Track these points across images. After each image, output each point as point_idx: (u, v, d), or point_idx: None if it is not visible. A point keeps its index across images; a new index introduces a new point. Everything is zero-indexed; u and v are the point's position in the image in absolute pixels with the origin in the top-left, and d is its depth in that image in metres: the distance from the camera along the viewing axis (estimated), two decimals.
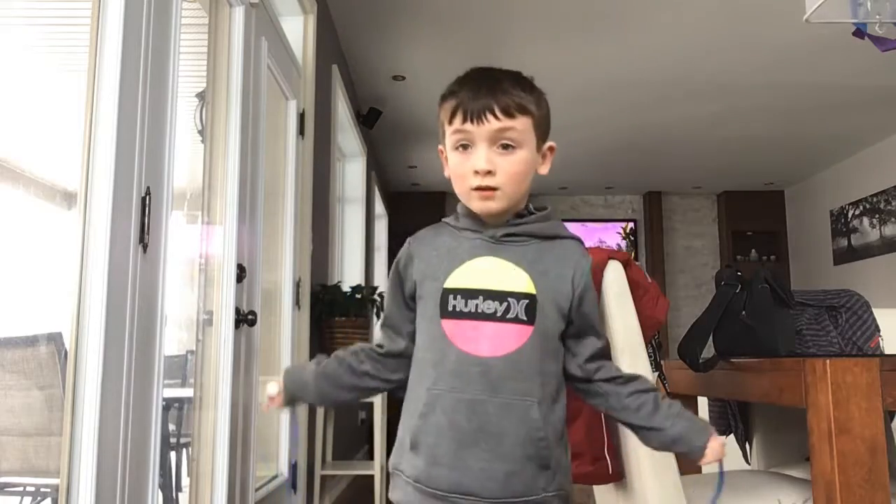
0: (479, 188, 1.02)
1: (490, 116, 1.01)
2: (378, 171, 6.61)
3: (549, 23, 4.00)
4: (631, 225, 8.23)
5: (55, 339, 2.42)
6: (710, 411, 2.09)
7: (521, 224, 1.05)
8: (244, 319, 2.25)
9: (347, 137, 4.87)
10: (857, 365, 1.27)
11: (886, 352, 1.84)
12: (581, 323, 1.06)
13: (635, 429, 1.08)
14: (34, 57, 3.69)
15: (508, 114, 1.02)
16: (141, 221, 1.48)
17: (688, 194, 8.24)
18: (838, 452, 1.25)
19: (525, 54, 4.40)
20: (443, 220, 1.12)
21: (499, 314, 1.00)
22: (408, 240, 1.12)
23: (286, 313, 2.96)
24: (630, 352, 1.40)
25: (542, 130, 1.08)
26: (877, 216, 6.39)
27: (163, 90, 1.60)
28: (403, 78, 4.78)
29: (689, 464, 1.14)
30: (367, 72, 4.70)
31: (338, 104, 4.00)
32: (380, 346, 1.11)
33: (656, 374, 1.45)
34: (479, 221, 1.06)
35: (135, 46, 1.47)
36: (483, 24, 4.02)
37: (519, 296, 1.01)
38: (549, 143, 1.11)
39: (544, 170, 1.10)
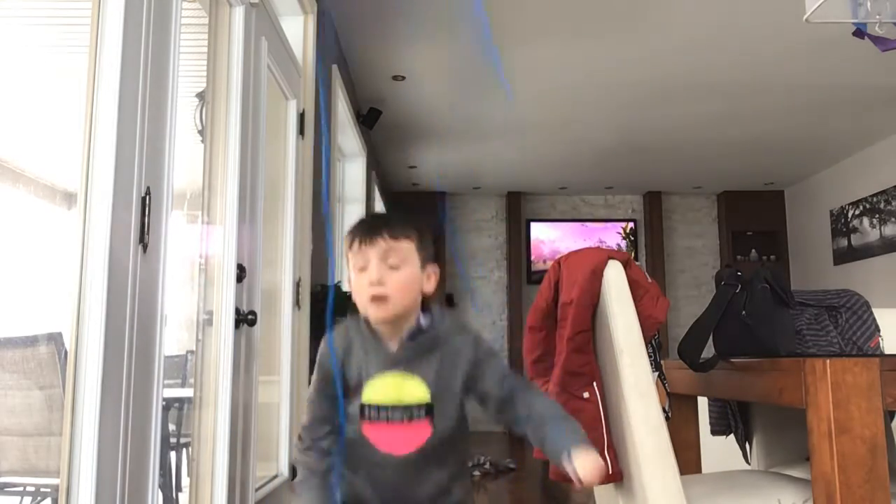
0: (372, 298, 1.25)
1: (379, 239, 1.26)
2: (378, 171, 6.61)
3: (549, 23, 4.00)
4: (631, 225, 8.23)
5: (55, 339, 2.42)
6: (710, 411, 2.09)
7: (414, 341, 1.29)
8: (244, 319, 2.25)
9: (347, 137, 4.87)
10: (857, 365, 1.27)
11: (886, 352, 1.84)
12: (484, 378, 1.30)
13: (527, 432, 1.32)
14: (34, 57, 3.69)
15: (393, 237, 1.27)
16: (141, 221, 1.48)
17: (688, 194, 8.24)
18: (838, 452, 1.25)
19: (524, 54, 4.40)
20: (350, 324, 1.34)
21: (405, 419, 1.27)
22: (323, 341, 1.34)
23: (286, 313, 2.96)
24: (630, 352, 1.40)
25: (425, 254, 1.31)
26: (877, 216, 6.39)
27: (163, 90, 1.60)
28: (403, 78, 4.78)
29: (689, 464, 1.14)
30: (367, 72, 4.70)
31: (338, 104, 4.01)
32: (317, 435, 1.34)
33: (656, 374, 1.45)
34: (380, 338, 1.30)
35: (135, 46, 1.47)
36: (483, 25, 4.02)
37: (419, 404, 1.27)
38: (433, 266, 1.33)
39: (429, 287, 1.31)
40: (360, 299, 1.28)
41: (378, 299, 1.25)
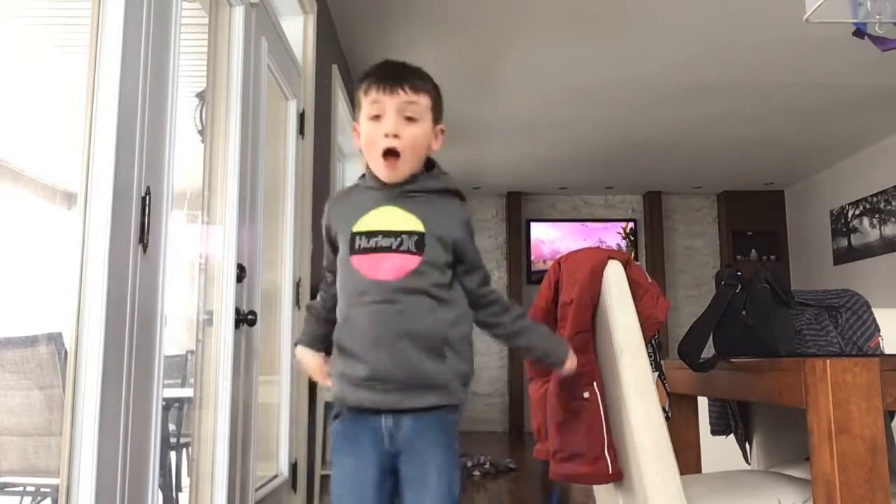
0: (386, 154, 1.24)
1: (399, 90, 1.25)
2: None
3: (549, 23, 4.00)
4: (631, 225, 8.23)
5: (55, 339, 2.42)
6: (710, 411, 2.09)
7: (414, 183, 1.29)
8: (244, 319, 2.25)
9: (348, 137, 4.88)
10: (857, 365, 1.27)
11: (886, 352, 1.84)
12: (467, 261, 1.31)
13: (505, 338, 1.37)
14: (34, 57, 3.69)
15: (414, 90, 1.26)
16: (141, 221, 1.48)
17: (688, 194, 8.24)
18: (838, 452, 1.25)
19: (524, 54, 4.40)
20: (351, 185, 1.36)
21: (393, 247, 1.25)
22: (328, 201, 1.38)
23: (286, 313, 2.96)
24: (630, 352, 1.40)
25: (437, 112, 1.31)
26: (877, 216, 6.39)
27: (163, 90, 1.60)
28: None
29: (689, 464, 1.14)
30: None
31: (338, 104, 4.00)
32: (327, 285, 1.38)
33: (656, 374, 1.45)
34: (381, 182, 1.29)
35: (135, 46, 1.47)
36: (483, 25, 4.02)
37: (410, 233, 1.25)
38: (440, 125, 1.33)
39: (437, 146, 1.32)
40: (373, 151, 1.26)
41: (391, 154, 1.24)
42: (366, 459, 1.24)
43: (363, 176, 1.34)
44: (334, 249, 1.33)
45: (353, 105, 1.33)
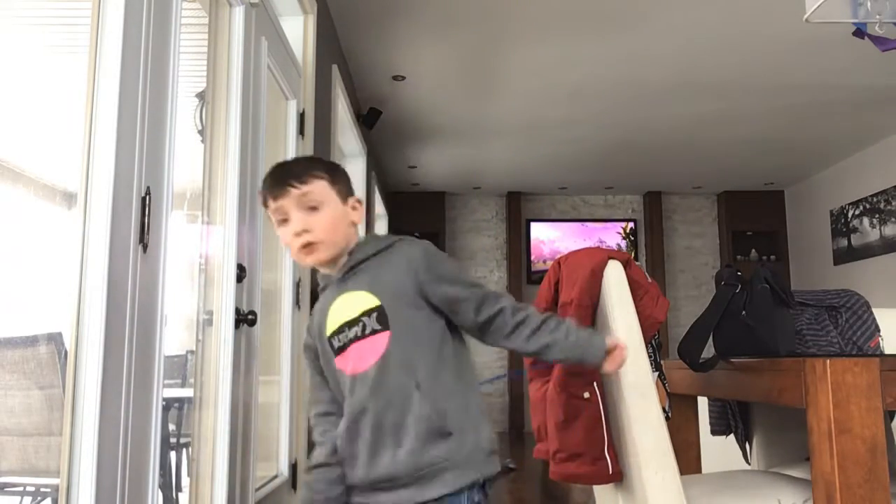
0: (303, 246, 1.24)
1: (288, 188, 1.24)
2: (378, 171, 6.61)
3: (549, 23, 4.00)
4: (631, 225, 8.23)
5: (55, 339, 2.42)
6: (710, 411, 2.09)
7: (352, 260, 1.27)
8: (244, 319, 2.25)
9: (347, 137, 4.87)
10: (857, 365, 1.27)
11: (886, 352, 1.84)
12: (446, 299, 1.22)
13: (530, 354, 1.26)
14: (34, 57, 3.69)
15: (302, 181, 1.24)
16: (141, 221, 1.48)
17: (688, 194, 8.24)
18: (838, 452, 1.25)
19: (524, 54, 4.40)
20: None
21: (359, 334, 1.22)
22: (306, 329, 1.35)
23: (286, 313, 2.96)
24: (630, 352, 1.40)
25: (341, 187, 1.29)
26: (877, 216, 6.39)
27: (163, 90, 1.60)
28: (403, 78, 4.78)
29: (689, 464, 1.14)
30: (367, 72, 4.70)
31: (338, 104, 4.00)
32: (322, 427, 1.31)
33: (656, 374, 1.45)
34: (325, 276, 1.30)
35: (135, 46, 1.47)
36: (483, 24, 4.02)
37: (368, 312, 1.21)
38: (354, 197, 1.32)
39: (357, 218, 1.30)
40: (293, 251, 1.26)
41: (309, 246, 1.23)
42: None
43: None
44: (319, 370, 1.31)
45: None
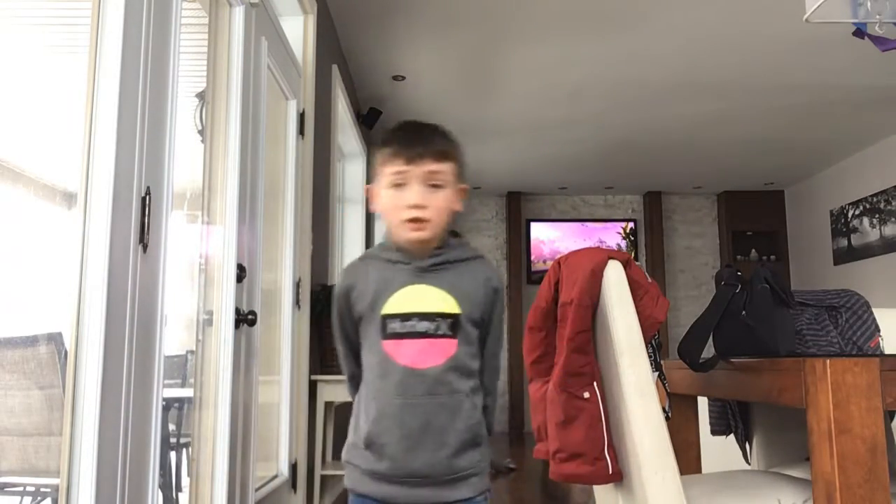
0: (411, 220, 1.21)
1: (427, 160, 1.21)
2: None
3: (549, 23, 4.00)
4: (631, 225, 8.23)
5: (55, 339, 2.42)
6: (710, 411, 2.09)
7: (442, 254, 1.26)
8: (244, 319, 2.25)
9: (347, 137, 4.87)
10: (857, 365, 1.27)
11: (886, 352, 1.84)
12: (490, 328, 1.29)
13: None
14: (34, 57, 3.69)
15: (438, 159, 1.22)
16: (141, 221, 1.48)
17: (688, 194, 8.24)
18: (838, 452, 1.25)
19: (524, 54, 4.40)
20: (367, 253, 1.32)
21: (430, 332, 1.21)
22: (343, 272, 1.32)
23: (286, 313, 2.96)
24: (630, 352, 1.40)
25: (461, 173, 1.28)
26: (877, 216, 6.39)
27: (163, 90, 1.60)
28: (403, 78, 4.78)
29: (689, 464, 1.15)
30: (367, 72, 4.70)
31: (338, 104, 4.00)
32: (353, 376, 1.32)
33: (656, 374, 1.45)
34: (407, 254, 1.25)
35: (135, 46, 1.47)
36: (483, 24, 4.02)
37: (445, 315, 1.22)
38: (462, 185, 1.30)
39: (459, 206, 1.29)
40: (394, 218, 1.23)
41: (420, 223, 1.21)
42: None
43: (382, 244, 1.29)
44: (355, 328, 1.28)
45: (368, 166, 1.32)
